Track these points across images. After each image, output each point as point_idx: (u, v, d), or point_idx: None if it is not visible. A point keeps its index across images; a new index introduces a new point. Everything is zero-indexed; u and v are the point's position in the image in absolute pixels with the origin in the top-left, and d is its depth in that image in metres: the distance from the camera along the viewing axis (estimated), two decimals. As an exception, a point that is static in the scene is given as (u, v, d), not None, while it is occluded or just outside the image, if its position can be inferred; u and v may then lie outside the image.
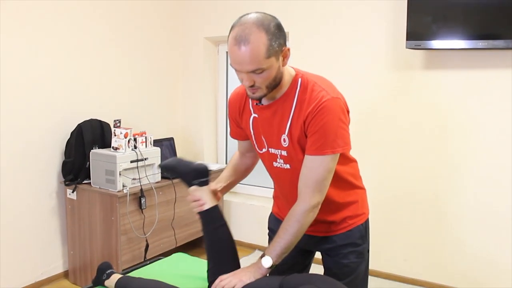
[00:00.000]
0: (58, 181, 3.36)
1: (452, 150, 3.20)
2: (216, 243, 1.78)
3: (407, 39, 3.05)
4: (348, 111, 1.66)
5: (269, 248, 1.64)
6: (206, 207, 1.77)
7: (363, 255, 1.81)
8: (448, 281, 3.29)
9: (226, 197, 4.20)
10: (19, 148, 3.12)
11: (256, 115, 1.73)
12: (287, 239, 1.61)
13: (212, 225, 1.77)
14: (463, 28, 2.92)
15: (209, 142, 4.42)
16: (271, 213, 2.00)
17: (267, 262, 1.62)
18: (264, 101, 1.68)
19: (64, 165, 3.29)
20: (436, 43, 3.00)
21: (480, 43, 2.86)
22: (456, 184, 3.20)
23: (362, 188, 1.87)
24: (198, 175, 1.79)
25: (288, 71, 1.64)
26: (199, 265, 2.25)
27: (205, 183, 1.79)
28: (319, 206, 1.62)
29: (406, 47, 3.09)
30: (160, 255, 3.05)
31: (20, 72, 3.08)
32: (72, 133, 3.29)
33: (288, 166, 1.70)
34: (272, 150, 1.72)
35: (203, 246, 4.06)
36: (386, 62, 3.34)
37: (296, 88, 1.62)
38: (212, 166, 3.90)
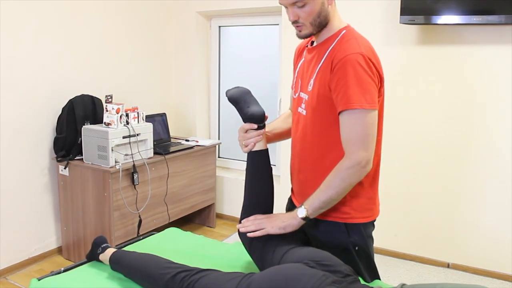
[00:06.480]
0: (50, 157, 3.34)
1: (447, 124, 3.21)
2: (255, 185, 1.80)
3: (401, 14, 3.03)
4: (382, 79, 1.61)
5: (308, 200, 1.61)
6: (257, 148, 1.75)
7: (350, 250, 1.69)
8: (437, 255, 3.35)
9: (219, 172, 4.21)
10: (10, 124, 3.09)
11: (303, 59, 1.77)
12: (327, 193, 1.57)
13: (257, 167, 1.79)
14: (457, 3, 2.90)
15: (201, 118, 4.40)
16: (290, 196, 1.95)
17: (302, 212, 1.60)
18: (315, 43, 1.72)
19: (56, 141, 3.27)
20: (430, 18, 2.98)
21: (474, 18, 2.85)
22: (448, 157, 3.23)
23: None
24: (254, 121, 1.74)
25: (339, 21, 1.67)
26: (192, 240, 2.26)
27: (260, 127, 1.76)
28: (367, 167, 1.55)
29: (400, 22, 3.07)
30: (153, 230, 3.06)
31: (11, 48, 3.03)
32: (63, 109, 3.26)
33: (305, 112, 1.71)
34: (302, 94, 1.74)
35: (196, 221, 4.15)
36: (379, 37, 3.31)
37: (337, 37, 1.64)
38: (205, 142, 3.90)
